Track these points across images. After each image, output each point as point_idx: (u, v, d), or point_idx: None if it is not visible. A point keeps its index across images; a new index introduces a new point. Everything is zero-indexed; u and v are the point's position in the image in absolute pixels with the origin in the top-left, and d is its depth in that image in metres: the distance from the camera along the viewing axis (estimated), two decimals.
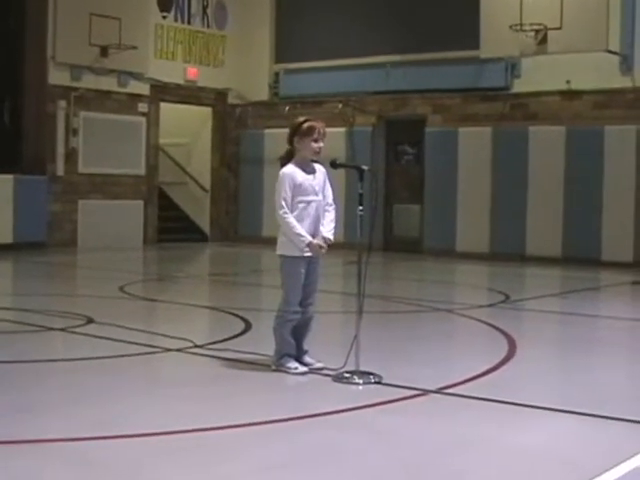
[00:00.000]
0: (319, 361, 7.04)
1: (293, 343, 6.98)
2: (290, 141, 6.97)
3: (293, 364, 6.93)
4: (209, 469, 4.66)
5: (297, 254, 6.87)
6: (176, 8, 20.89)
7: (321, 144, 6.92)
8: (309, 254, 6.87)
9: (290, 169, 6.92)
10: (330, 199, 7.05)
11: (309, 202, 6.90)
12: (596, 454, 5.05)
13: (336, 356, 6.90)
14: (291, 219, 6.84)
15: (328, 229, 6.97)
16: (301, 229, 6.83)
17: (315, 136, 6.88)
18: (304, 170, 6.93)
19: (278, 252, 7.00)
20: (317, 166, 7.02)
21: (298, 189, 6.86)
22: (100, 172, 19.42)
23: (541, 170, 17.49)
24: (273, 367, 6.99)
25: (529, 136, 17.68)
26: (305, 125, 6.90)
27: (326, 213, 7.01)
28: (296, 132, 6.92)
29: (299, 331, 7.01)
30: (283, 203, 6.85)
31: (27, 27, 18.38)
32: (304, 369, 6.92)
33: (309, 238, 6.84)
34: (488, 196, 18.15)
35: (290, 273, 6.93)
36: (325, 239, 6.91)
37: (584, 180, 17.02)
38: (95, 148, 19.21)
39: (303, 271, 6.92)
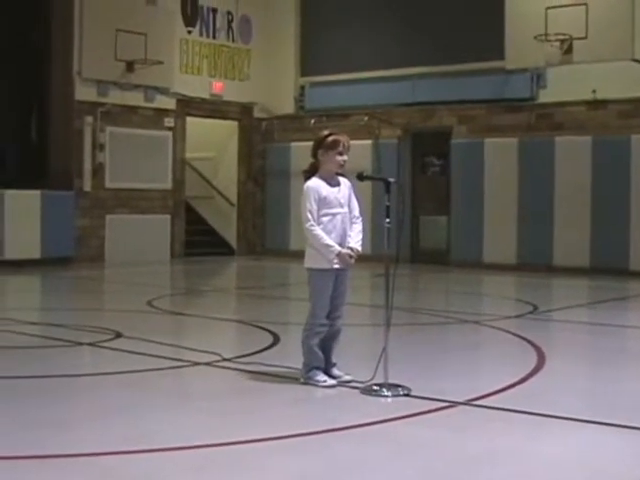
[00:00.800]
0: (347, 374, 7.03)
1: (321, 356, 6.97)
2: (314, 154, 6.98)
3: (322, 377, 6.92)
4: None
5: (325, 267, 6.86)
6: (201, 23, 21.00)
7: (345, 157, 6.92)
8: (337, 266, 6.87)
9: (314, 182, 6.92)
10: (356, 212, 7.06)
11: (334, 215, 6.90)
12: (626, 465, 5.01)
13: (364, 369, 6.88)
14: (318, 231, 6.84)
15: (356, 240, 6.97)
16: (329, 240, 6.83)
17: (339, 149, 6.89)
18: (329, 183, 6.94)
19: (306, 265, 7.00)
20: (341, 179, 7.02)
21: (323, 202, 6.87)
22: (127, 187, 19.50)
23: (567, 180, 17.41)
24: (301, 380, 6.99)
25: (555, 146, 17.63)
26: (329, 138, 6.91)
27: (353, 225, 7.01)
28: (320, 145, 6.93)
29: (327, 344, 7.01)
30: (309, 216, 6.85)
31: (53, 43, 18.52)
32: (333, 382, 6.91)
33: (338, 248, 6.84)
34: (515, 207, 18.10)
35: (318, 286, 6.93)
36: (353, 250, 6.91)
37: (611, 190, 16.94)
38: (122, 163, 19.29)
39: (331, 284, 6.91)
